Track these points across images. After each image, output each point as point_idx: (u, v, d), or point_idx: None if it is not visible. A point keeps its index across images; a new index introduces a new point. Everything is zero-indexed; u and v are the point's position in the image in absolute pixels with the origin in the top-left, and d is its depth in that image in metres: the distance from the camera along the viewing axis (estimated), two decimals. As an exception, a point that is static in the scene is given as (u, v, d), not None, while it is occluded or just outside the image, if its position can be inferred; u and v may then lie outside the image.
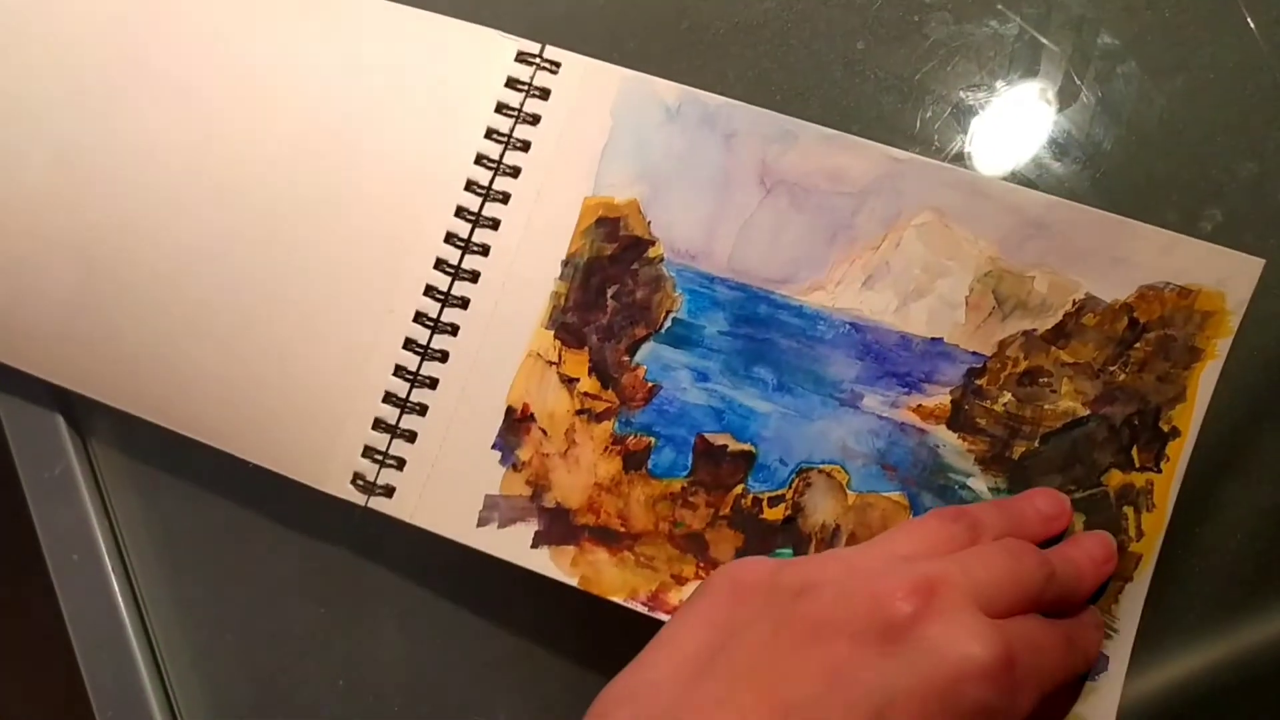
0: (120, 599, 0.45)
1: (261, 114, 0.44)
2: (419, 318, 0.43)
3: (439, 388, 0.42)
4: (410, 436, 0.42)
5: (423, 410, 0.42)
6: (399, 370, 0.42)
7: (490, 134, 0.43)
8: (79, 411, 0.48)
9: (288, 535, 0.45)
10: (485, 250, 0.43)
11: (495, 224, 0.43)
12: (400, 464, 0.42)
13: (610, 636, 0.42)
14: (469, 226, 0.43)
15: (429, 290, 0.43)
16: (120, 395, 0.44)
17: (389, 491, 0.42)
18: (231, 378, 0.43)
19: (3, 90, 0.44)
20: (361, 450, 0.42)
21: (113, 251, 0.43)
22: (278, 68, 0.44)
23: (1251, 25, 0.44)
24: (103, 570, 0.46)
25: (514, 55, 0.44)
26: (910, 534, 0.34)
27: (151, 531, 0.46)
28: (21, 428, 0.47)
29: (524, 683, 0.43)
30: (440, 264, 0.43)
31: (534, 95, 0.43)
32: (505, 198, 0.43)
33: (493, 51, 0.44)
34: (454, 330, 0.42)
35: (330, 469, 0.42)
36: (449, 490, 0.42)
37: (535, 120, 0.43)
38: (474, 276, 0.43)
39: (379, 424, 0.42)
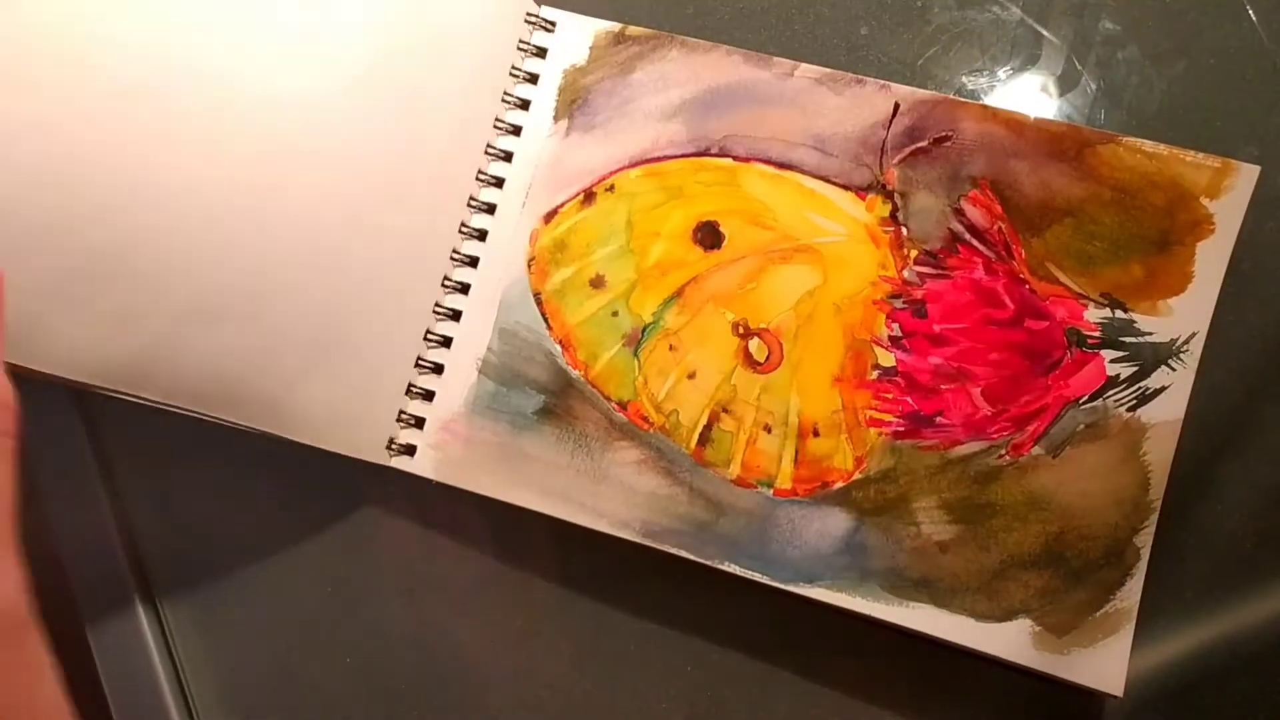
0: (130, 577, 0.45)
1: (281, 112, 0.44)
2: (444, 281, 0.43)
3: (453, 346, 0.43)
4: (428, 395, 0.43)
5: (439, 369, 0.43)
6: (427, 335, 0.43)
7: (503, 97, 0.44)
8: (89, 393, 0.47)
9: (295, 515, 0.45)
10: (491, 209, 0.44)
11: (500, 183, 0.44)
12: (420, 423, 0.43)
13: (619, 618, 0.42)
14: (476, 186, 0.44)
15: (453, 253, 0.43)
16: (140, 384, 0.43)
17: (410, 450, 0.43)
18: (260, 354, 0.42)
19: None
20: (397, 415, 0.43)
21: (123, 233, 0.43)
22: (300, 44, 0.44)
23: (1251, 14, 0.44)
24: (111, 549, 0.45)
25: (523, 17, 0.45)
26: None
27: (160, 511, 0.46)
28: (31, 409, 0.46)
29: (531, 662, 0.43)
30: (462, 227, 0.44)
31: (532, 55, 0.45)
32: (508, 156, 0.44)
33: (509, 14, 0.45)
34: (465, 289, 0.43)
35: (361, 435, 0.43)
36: (465, 445, 0.42)
37: (534, 79, 0.44)
38: (482, 235, 0.44)
39: (411, 390, 0.43)
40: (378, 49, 0.44)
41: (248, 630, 0.45)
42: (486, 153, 0.44)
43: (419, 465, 0.42)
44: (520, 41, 0.44)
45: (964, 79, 0.45)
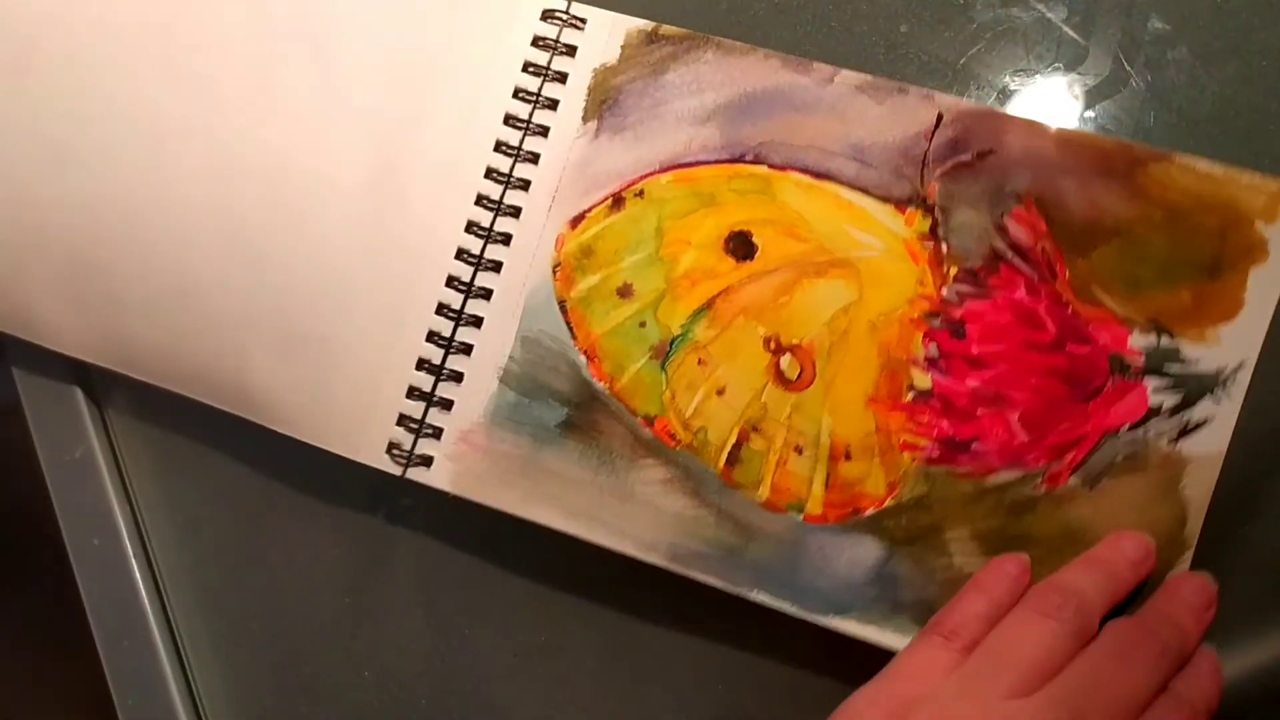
0: (141, 584, 0.44)
1: (285, 82, 0.42)
2: (451, 281, 0.42)
3: (474, 354, 0.41)
4: (447, 405, 0.41)
5: (458, 378, 0.41)
6: (432, 336, 0.42)
7: (518, 94, 0.42)
8: (100, 394, 0.47)
9: (311, 522, 0.44)
10: (516, 212, 0.42)
11: (526, 185, 0.42)
12: (438, 433, 0.41)
13: (640, 630, 0.42)
14: (500, 188, 0.42)
15: (460, 253, 0.42)
16: (147, 369, 0.43)
17: (427, 461, 0.41)
18: (263, 349, 0.42)
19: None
20: (396, 419, 0.41)
21: (126, 224, 0.42)
22: (301, 33, 0.43)
23: (1303, 14, 0.43)
24: (123, 555, 0.44)
25: (539, 14, 0.43)
26: (1017, 650, 0.35)
27: (173, 516, 0.45)
28: (42, 409, 0.46)
29: (552, 675, 0.42)
30: (471, 226, 0.42)
31: (561, 53, 0.43)
32: (535, 158, 0.42)
33: (518, 9, 0.43)
34: (487, 295, 0.42)
35: (365, 439, 0.42)
36: (484, 457, 0.41)
37: (563, 78, 0.42)
38: (506, 239, 0.42)
39: (413, 392, 0.41)
40: (378, 51, 0.43)
41: (261, 638, 0.44)
42: (510, 153, 0.42)
43: (436, 477, 0.41)
44: (545, 38, 0.42)
45: (1008, 79, 0.43)
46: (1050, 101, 0.43)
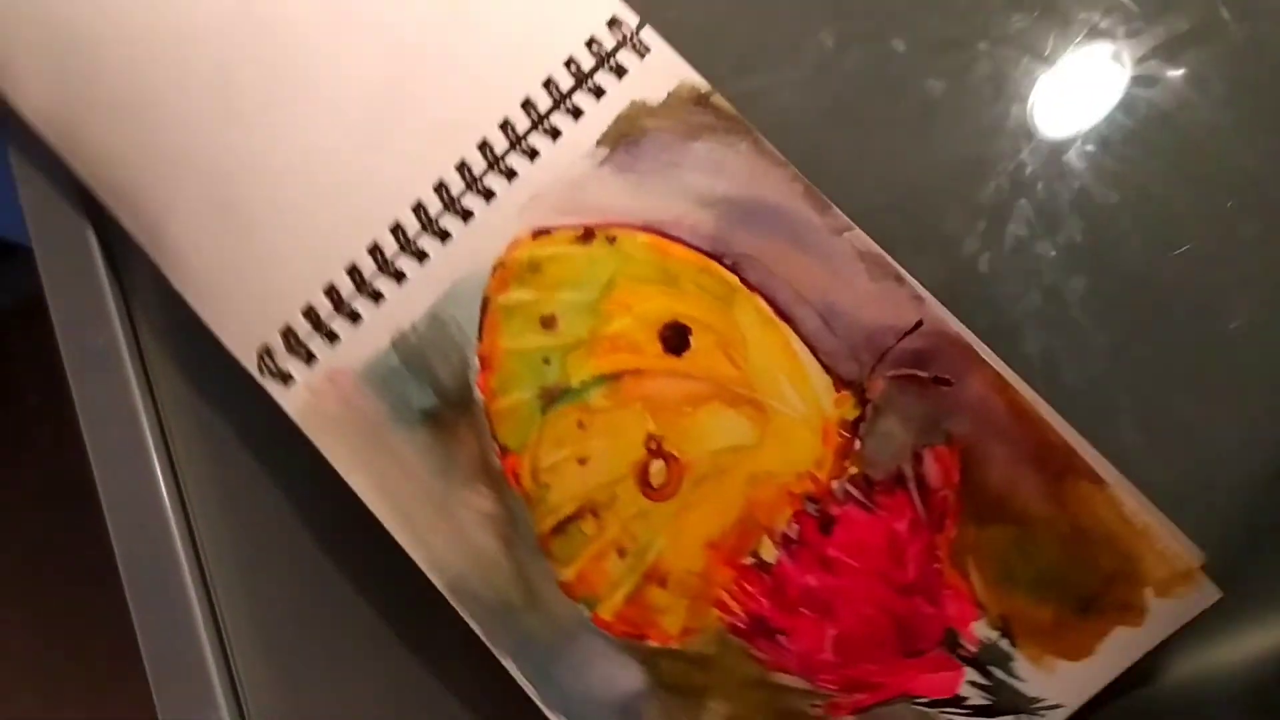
0: (162, 482, 0.42)
1: None
2: (396, 229, 0.40)
3: (381, 305, 0.40)
4: (333, 337, 0.40)
5: (356, 319, 0.40)
6: (353, 270, 0.40)
7: (548, 83, 0.41)
8: (127, 286, 0.45)
9: (357, 514, 0.41)
10: (489, 195, 0.40)
11: (511, 175, 0.40)
12: (310, 359, 0.40)
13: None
14: (485, 165, 0.40)
15: (418, 207, 0.40)
16: (87, 166, 0.42)
17: (286, 379, 0.40)
18: (194, 197, 0.41)
19: None
20: (283, 327, 0.40)
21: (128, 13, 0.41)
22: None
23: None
24: (144, 449, 0.42)
25: (607, 18, 0.41)
26: None
27: (197, 418, 0.44)
28: (65, 295, 0.44)
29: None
30: (440, 187, 0.40)
31: (609, 69, 0.41)
32: (532, 155, 0.40)
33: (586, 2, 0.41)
34: (421, 257, 0.40)
35: (244, 330, 0.40)
36: (340, 403, 0.40)
37: (599, 94, 0.40)
38: (466, 215, 0.40)
39: (310, 312, 0.40)
40: None
41: (285, 551, 0.43)
42: (511, 139, 0.40)
43: (287, 399, 0.40)
44: (600, 44, 0.40)
45: (1098, 16, 0.42)
46: (1143, 41, 0.42)
